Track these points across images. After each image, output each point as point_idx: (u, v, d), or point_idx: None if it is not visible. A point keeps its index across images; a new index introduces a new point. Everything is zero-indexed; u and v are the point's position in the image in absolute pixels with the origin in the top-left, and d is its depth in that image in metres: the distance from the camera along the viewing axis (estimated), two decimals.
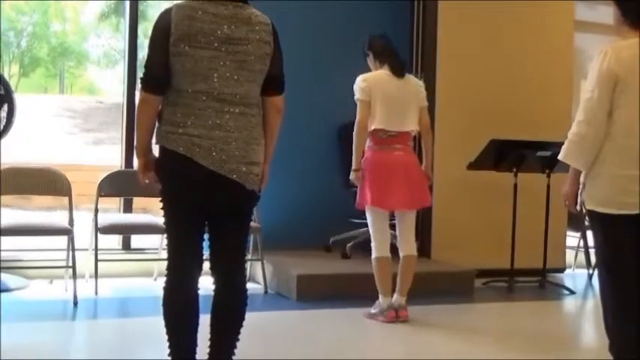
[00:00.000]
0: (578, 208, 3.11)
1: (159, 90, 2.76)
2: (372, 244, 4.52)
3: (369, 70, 4.63)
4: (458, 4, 6.08)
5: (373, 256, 4.50)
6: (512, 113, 6.19)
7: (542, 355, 4.03)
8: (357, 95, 4.49)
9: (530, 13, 6.32)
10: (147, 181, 2.88)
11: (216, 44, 2.71)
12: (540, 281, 5.89)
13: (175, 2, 2.80)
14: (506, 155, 5.64)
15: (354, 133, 4.47)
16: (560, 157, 3.08)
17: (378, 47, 4.62)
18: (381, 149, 4.50)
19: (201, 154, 2.72)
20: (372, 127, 4.48)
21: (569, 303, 5.75)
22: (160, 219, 2.89)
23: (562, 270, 6.57)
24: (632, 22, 3.02)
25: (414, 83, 4.66)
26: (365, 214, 4.62)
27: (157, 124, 2.80)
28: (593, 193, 3.01)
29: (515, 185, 5.73)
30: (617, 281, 3.01)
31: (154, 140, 2.83)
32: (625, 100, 2.94)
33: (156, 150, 2.86)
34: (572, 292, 5.84)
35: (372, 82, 4.49)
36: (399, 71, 4.55)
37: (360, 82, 4.51)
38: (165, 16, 2.73)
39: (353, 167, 4.50)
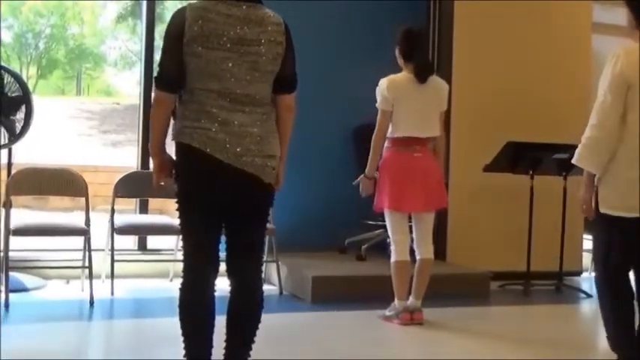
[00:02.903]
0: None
1: (172, 89, 2.78)
2: (392, 247, 4.48)
3: (385, 69, 4.52)
4: (474, 5, 6.06)
5: (392, 259, 4.46)
6: (529, 115, 6.16)
7: (558, 358, 4.00)
8: (379, 104, 4.44)
9: (546, 15, 6.29)
10: (162, 183, 2.90)
11: (228, 45, 2.72)
12: (557, 284, 5.85)
13: (189, 2, 2.81)
14: (523, 157, 5.61)
15: (372, 140, 4.44)
16: (573, 160, 3.07)
17: (405, 44, 4.47)
18: (399, 151, 4.46)
19: (216, 147, 2.72)
20: (395, 135, 4.45)
21: (586, 306, 5.71)
22: (175, 220, 2.90)
23: (579, 273, 6.53)
24: None
25: (438, 87, 4.55)
26: (381, 216, 4.60)
27: (172, 121, 2.83)
28: (606, 196, 2.98)
29: (532, 188, 5.69)
30: (620, 288, 2.98)
31: (168, 139, 2.85)
32: (638, 103, 2.91)
33: (171, 149, 2.87)
34: (588, 296, 5.79)
35: (394, 91, 4.41)
36: (421, 76, 4.44)
37: (383, 89, 4.42)
38: (179, 16, 2.74)
39: (366, 173, 4.49)
